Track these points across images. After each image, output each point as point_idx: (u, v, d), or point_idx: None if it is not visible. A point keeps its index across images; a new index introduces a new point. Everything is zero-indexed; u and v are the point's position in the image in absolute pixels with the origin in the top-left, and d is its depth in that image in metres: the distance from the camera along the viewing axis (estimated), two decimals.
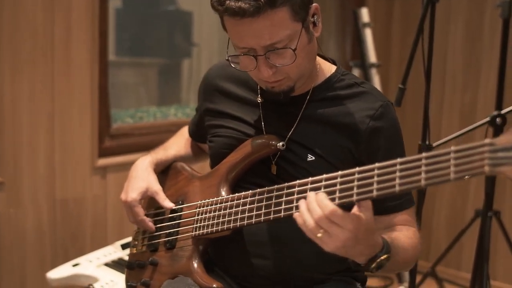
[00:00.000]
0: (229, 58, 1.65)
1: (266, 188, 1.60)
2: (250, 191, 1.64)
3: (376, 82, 3.68)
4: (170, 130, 2.72)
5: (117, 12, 3.44)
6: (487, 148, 1.17)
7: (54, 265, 2.89)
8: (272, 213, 1.55)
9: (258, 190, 1.62)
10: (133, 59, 3.63)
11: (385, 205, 1.70)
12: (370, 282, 3.88)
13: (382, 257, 1.47)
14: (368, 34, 3.62)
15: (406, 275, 3.64)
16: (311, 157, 1.68)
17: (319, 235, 1.39)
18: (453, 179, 1.21)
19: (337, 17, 4.19)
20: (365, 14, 3.62)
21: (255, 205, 1.61)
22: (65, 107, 3.00)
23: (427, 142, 2.80)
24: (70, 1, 2.96)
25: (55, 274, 2.64)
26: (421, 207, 2.81)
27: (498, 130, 2.87)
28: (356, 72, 3.72)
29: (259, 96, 1.79)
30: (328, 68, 1.79)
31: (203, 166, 2.00)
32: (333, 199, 1.41)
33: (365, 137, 1.67)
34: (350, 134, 1.68)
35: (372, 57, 3.63)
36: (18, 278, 2.96)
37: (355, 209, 1.41)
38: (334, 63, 1.82)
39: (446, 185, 4.13)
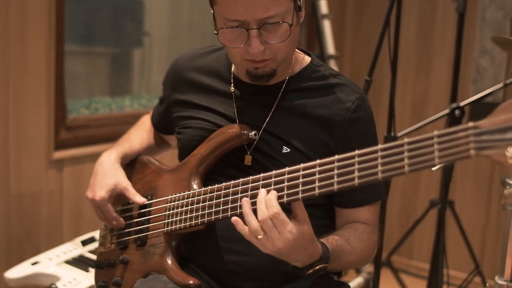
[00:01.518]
0: (221, 30, 1.59)
1: (241, 179, 1.55)
2: (224, 184, 1.60)
3: None
4: (128, 121, 2.67)
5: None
6: (472, 132, 1.17)
7: (9, 264, 2.79)
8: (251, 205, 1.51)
9: (233, 182, 1.58)
10: (83, 48, 3.51)
11: (348, 199, 1.71)
12: None
13: (319, 266, 1.50)
14: (326, 25, 3.63)
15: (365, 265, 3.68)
16: (286, 149, 1.66)
17: (260, 237, 1.43)
18: (438, 164, 1.22)
19: None
20: (323, 5, 3.62)
21: (230, 197, 1.56)
22: (20, 97, 2.87)
23: (392, 134, 2.84)
24: None
25: (13, 273, 2.54)
26: (385, 200, 2.84)
27: (456, 122, 2.93)
28: None
29: (232, 85, 1.76)
30: (303, 59, 1.78)
31: (172, 159, 1.93)
32: (313, 189, 1.40)
33: (341, 129, 1.67)
34: (327, 126, 1.67)
35: (330, 48, 3.63)
36: None
37: (294, 220, 1.44)
38: (308, 54, 1.81)
39: (399, 176, 4.20)
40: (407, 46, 4.13)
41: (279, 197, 1.44)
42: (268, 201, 1.42)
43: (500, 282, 2.14)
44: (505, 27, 3.73)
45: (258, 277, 1.70)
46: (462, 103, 2.93)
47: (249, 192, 1.52)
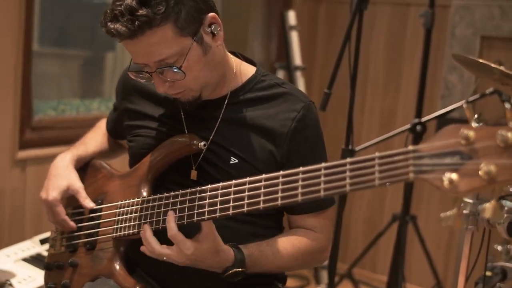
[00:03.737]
0: (128, 73, 1.66)
1: (189, 190, 1.59)
2: (173, 193, 1.63)
3: (301, 85, 3.72)
4: (93, 124, 2.66)
5: (42, 1, 3.36)
6: (411, 155, 1.19)
7: None
8: (195, 215, 1.56)
9: (181, 191, 1.61)
10: (56, 50, 3.55)
11: (295, 207, 1.74)
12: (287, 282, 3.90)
13: (233, 270, 1.60)
14: (294, 36, 3.66)
15: (324, 276, 3.70)
16: (234, 160, 1.68)
17: (165, 258, 1.58)
18: (378, 185, 1.24)
19: (263, 19, 4.23)
20: (292, 17, 3.66)
21: (178, 206, 1.60)
22: None
23: (350, 147, 2.86)
24: None
25: None
26: (341, 212, 2.85)
27: (417, 137, 2.97)
28: (281, 74, 3.75)
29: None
30: (248, 70, 1.79)
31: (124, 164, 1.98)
32: (257, 203, 1.45)
33: (287, 139, 1.69)
34: (272, 136, 1.69)
35: (297, 59, 3.67)
36: None
37: (198, 235, 1.56)
38: (254, 64, 1.82)
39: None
40: (376, 60, 4.15)
41: (225, 209, 1.50)
42: (167, 224, 1.56)
43: None
44: (475, 44, 3.76)
45: (204, 286, 1.74)
46: (424, 119, 2.98)
47: (196, 203, 1.56)
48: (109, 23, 1.52)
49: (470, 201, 2.17)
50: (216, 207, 1.52)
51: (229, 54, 1.78)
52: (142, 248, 1.61)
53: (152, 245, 1.58)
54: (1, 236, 3.06)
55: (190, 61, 1.58)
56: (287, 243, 1.71)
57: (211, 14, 1.61)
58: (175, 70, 1.57)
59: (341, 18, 4.33)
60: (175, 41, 1.55)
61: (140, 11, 1.49)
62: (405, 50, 4.08)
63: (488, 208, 1.14)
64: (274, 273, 1.80)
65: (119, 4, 1.50)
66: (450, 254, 3.93)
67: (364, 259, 3.79)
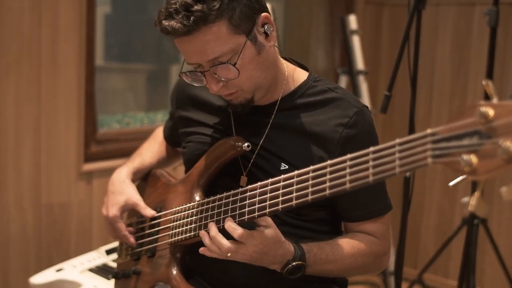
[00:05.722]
0: (181, 75, 1.66)
1: (240, 189, 1.58)
2: (219, 195, 1.63)
3: (364, 89, 3.67)
4: None
5: (106, 18, 3.45)
6: (429, 139, 1.12)
7: (39, 270, 2.87)
8: (237, 216, 1.56)
9: (225, 193, 1.61)
10: (121, 65, 3.63)
11: (352, 213, 1.72)
12: None
13: (295, 263, 1.56)
14: (355, 41, 3.62)
15: (393, 282, 3.63)
16: (284, 166, 1.67)
17: (229, 254, 1.53)
18: (398, 173, 1.18)
19: (326, 24, 4.23)
20: (352, 21, 3.62)
21: (223, 209, 1.60)
22: (51, 111, 3.01)
23: None
24: (58, 5, 2.96)
25: (38, 279, 2.63)
26: (406, 216, 2.79)
27: None
28: (343, 79, 3.73)
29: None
30: (300, 76, 1.77)
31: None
32: (306, 195, 1.41)
33: (338, 146, 1.65)
34: (323, 143, 1.66)
35: (359, 64, 3.63)
36: (1, 283, 2.95)
37: (259, 228, 1.53)
38: (306, 69, 1.81)
39: (434, 191, 4.13)
40: (443, 60, 4.07)
41: (274, 205, 1.48)
42: (229, 228, 1.52)
43: None
44: None
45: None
46: None
47: (247, 201, 1.54)
48: (164, 21, 1.54)
49: None
50: (265, 203, 1.50)
51: (282, 59, 1.77)
52: (202, 250, 1.59)
53: (220, 241, 1.54)
54: (69, 247, 3.14)
55: (244, 60, 1.58)
56: (347, 244, 1.68)
57: (264, 14, 1.61)
58: (230, 67, 1.56)
59: (404, 21, 4.25)
60: (229, 38, 1.55)
61: (196, 7, 1.49)
62: (472, 51, 3.99)
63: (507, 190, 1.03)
64: (334, 277, 1.78)
65: (174, 2, 1.52)
66: None
67: (437, 265, 3.69)
